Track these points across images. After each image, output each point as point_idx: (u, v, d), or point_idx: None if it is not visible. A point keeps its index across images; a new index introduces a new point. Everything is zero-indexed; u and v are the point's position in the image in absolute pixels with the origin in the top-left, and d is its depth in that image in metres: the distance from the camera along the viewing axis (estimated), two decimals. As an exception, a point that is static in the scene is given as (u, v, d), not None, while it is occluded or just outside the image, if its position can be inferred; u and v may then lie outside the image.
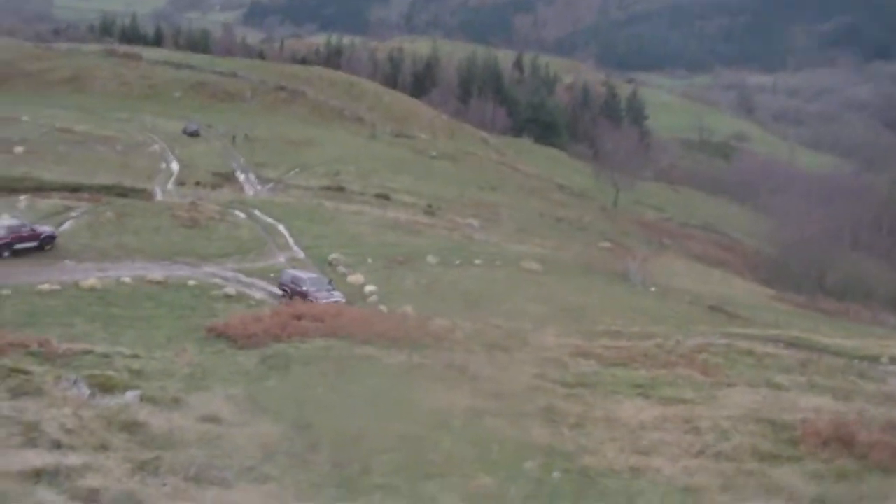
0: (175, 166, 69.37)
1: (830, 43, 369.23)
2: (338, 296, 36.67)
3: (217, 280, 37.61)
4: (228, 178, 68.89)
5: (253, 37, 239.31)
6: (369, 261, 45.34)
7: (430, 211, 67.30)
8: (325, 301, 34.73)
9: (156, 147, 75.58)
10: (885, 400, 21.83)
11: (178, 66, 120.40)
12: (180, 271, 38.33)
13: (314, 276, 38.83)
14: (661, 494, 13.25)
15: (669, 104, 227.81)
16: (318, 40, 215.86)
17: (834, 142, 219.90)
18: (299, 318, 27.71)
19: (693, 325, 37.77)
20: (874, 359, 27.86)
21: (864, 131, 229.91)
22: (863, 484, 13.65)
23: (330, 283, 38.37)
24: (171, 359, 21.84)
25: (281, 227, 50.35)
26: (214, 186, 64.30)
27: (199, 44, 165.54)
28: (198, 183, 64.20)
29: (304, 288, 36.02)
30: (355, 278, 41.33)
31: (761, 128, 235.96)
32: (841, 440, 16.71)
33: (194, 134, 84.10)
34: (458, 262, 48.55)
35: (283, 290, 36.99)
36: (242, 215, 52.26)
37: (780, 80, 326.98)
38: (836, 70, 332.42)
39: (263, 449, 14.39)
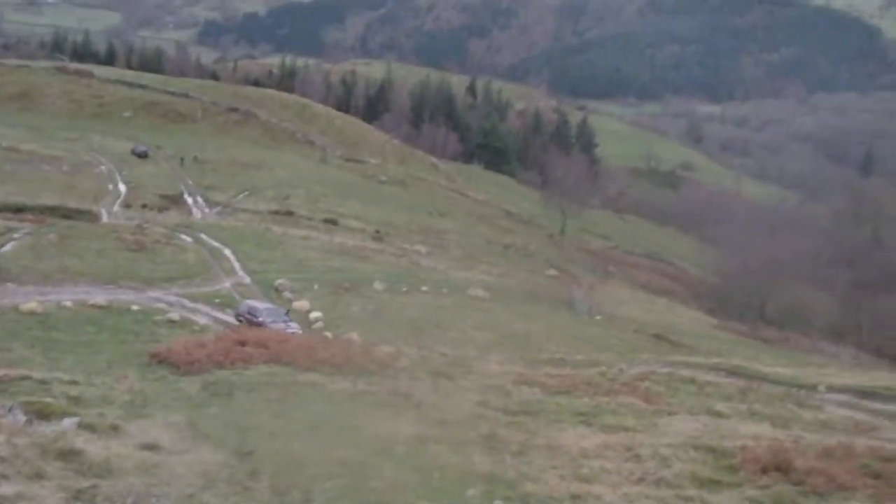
0: (122, 188, 68.87)
1: (777, 74, 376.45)
2: (294, 327, 36.23)
3: (161, 305, 37.34)
4: (176, 200, 68.47)
5: (206, 56, 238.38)
6: (316, 287, 45.32)
7: (378, 237, 67.46)
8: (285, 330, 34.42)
9: (103, 168, 74.97)
10: (822, 427, 22.32)
11: (130, 84, 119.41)
12: (124, 295, 38.00)
13: (271, 306, 38.28)
14: (601, 521, 13.50)
15: (619, 132, 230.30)
16: (273, 61, 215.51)
17: (779, 173, 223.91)
18: (243, 344, 27.64)
19: (637, 354, 38.21)
20: (812, 387, 28.45)
21: (808, 163, 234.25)
22: (799, 509, 14.03)
23: (287, 313, 37.79)
24: (111, 385, 21.69)
25: (227, 252, 50.09)
26: (161, 209, 63.91)
27: (152, 62, 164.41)
28: (145, 205, 63.80)
29: (261, 318, 35.51)
30: (301, 304, 41.28)
31: (708, 157, 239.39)
32: (778, 467, 17.05)
33: (143, 155, 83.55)
34: (404, 288, 48.72)
35: (239, 321, 36.27)
36: (189, 239, 51.98)
37: (729, 110, 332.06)
38: (782, 101, 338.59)
39: (203, 476, 14.37)
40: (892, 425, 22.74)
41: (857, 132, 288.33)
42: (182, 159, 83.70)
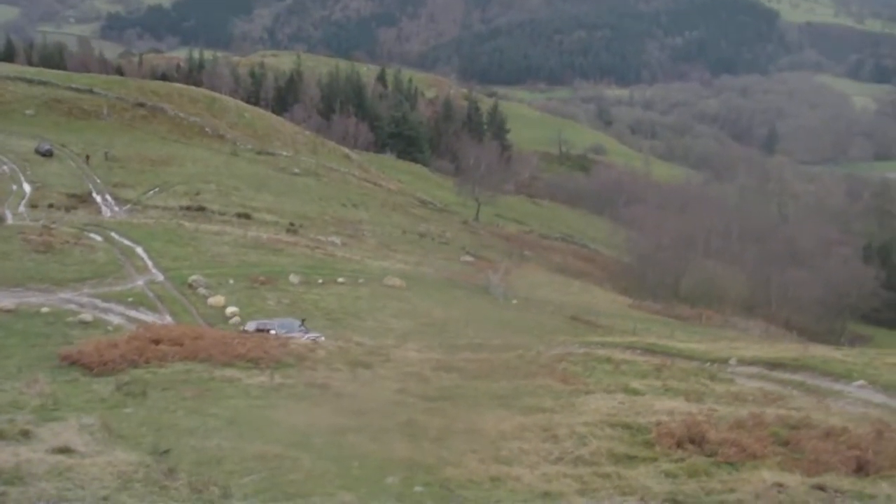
0: (27, 188, 67.00)
1: (682, 58, 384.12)
2: (314, 336, 34.31)
3: (72, 306, 36.46)
4: (84, 199, 66.86)
5: (111, 51, 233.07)
6: (231, 281, 44.82)
7: (292, 229, 66.98)
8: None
9: (5, 168, 72.87)
10: (734, 399, 22.79)
11: (31, 81, 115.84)
12: (33, 298, 37.01)
13: (282, 320, 36.73)
14: (520, 501, 13.62)
15: (530, 118, 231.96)
16: (179, 55, 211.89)
17: (685, 153, 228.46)
18: (157, 342, 27.19)
19: (553, 336, 38.62)
20: (724, 361, 29.03)
21: (714, 142, 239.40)
22: (713, 479, 14.32)
23: (302, 323, 36.21)
24: (20, 390, 21.17)
25: (139, 250, 49.16)
26: (69, 208, 62.40)
27: (54, 58, 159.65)
28: (51, 205, 62.20)
29: (273, 332, 33.84)
30: (216, 300, 40.76)
31: (618, 140, 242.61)
32: (693, 440, 17.33)
33: (47, 154, 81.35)
34: (320, 280, 48.49)
35: None
36: (99, 238, 50.84)
37: (636, 93, 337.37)
38: (687, 84, 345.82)
39: (119, 478, 14.10)
40: (800, 394, 23.42)
41: (760, 112, 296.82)
42: (88, 157, 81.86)
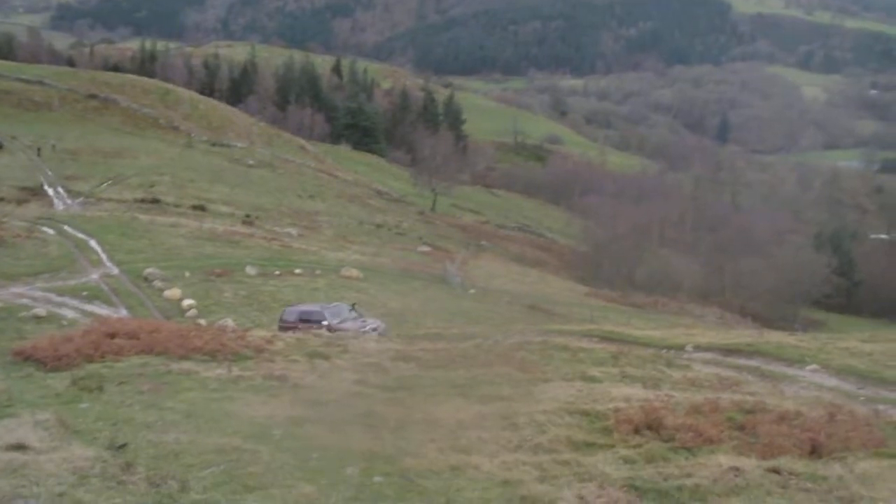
0: (-24, 181, 66.14)
1: (636, 48, 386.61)
2: (374, 323, 33.05)
3: (26, 301, 36.04)
4: (36, 192, 66.02)
5: (61, 42, 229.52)
6: (187, 274, 44.51)
7: (248, 221, 66.61)
8: (361, 332, 31.23)
9: (-46, 162, 71.85)
10: (690, 385, 23.01)
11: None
12: (-15, 293, 36.63)
13: (330, 305, 34.79)
14: (480, 490, 13.63)
15: (485, 108, 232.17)
16: (132, 46, 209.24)
17: (640, 143, 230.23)
18: (113, 336, 26.90)
19: (511, 325, 38.76)
20: (680, 347, 29.35)
21: (668, 133, 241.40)
22: (670, 465, 14.43)
23: (353, 307, 34.49)
24: (-27, 386, 20.89)
25: (93, 243, 48.69)
26: (21, 202, 61.59)
27: (2, 49, 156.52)
28: (2, 199, 61.39)
29: (326, 321, 32.17)
30: (172, 293, 40.48)
31: (573, 130, 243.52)
32: (650, 426, 17.45)
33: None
34: (277, 271, 48.33)
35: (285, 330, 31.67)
36: (52, 231, 50.30)
37: (591, 84, 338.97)
38: (641, 74, 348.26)
39: (75, 473, 13.92)
40: (755, 379, 23.73)
41: (713, 102, 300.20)
42: (39, 149, 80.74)
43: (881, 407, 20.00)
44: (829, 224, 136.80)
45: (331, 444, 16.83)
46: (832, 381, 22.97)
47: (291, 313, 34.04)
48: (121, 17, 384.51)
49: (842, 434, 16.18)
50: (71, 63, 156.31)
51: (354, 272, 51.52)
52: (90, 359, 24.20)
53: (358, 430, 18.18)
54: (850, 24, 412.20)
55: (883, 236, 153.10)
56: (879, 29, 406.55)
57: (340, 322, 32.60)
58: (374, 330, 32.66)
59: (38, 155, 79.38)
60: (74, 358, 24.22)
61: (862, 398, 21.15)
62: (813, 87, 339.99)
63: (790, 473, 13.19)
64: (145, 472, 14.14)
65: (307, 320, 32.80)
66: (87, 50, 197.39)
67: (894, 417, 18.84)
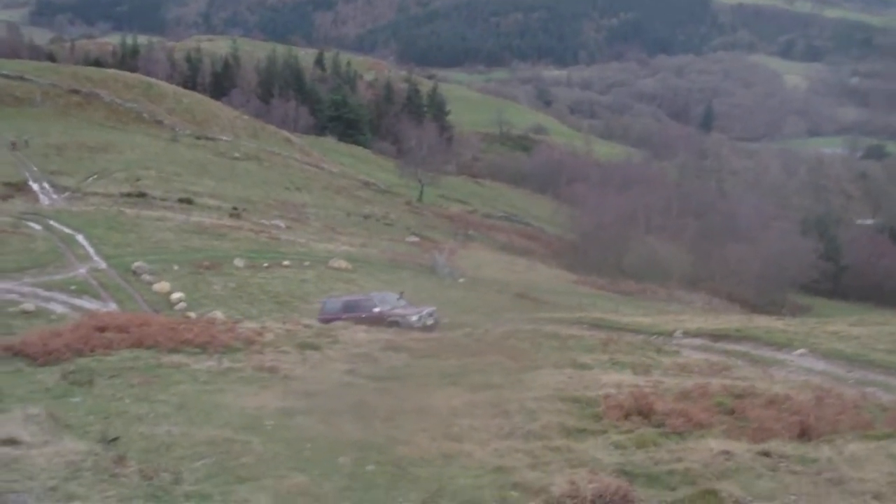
0: (-41, 177, 65.75)
1: (618, 38, 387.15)
2: (428, 311, 32.16)
3: (13, 296, 35.87)
4: (21, 187, 65.58)
5: (41, 37, 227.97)
6: (175, 267, 44.39)
7: (235, 213, 66.43)
8: (416, 319, 30.90)
9: (-63, 158, 71.40)
10: (680, 371, 23.11)
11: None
12: (-29, 289, 36.46)
13: (376, 293, 34.31)
14: (472, 477, 13.63)
15: (469, 99, 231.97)
16: (113, 40, 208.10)
17: (625, 132, 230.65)
18: (103, 330, 26.80)
19: (501, 313, 38.82)
20: (669, 333, 29.49)
21: (652, 121, 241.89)
22: (661, 449, 14.46)
23: (401, 295, 33.98)
24: (-37, 383, 20.79)
25: (80, 238, 48.48)
26: (5, 197, 61.18)
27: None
28: (-15, 194, 61.17)
29: (378, 309, 31.48)
30: (161, 286, 40.37)
31: (558, 120, 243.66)
32: (640, 411, 17.46)
33: (-20, 142, 79.83)
34: (266, 263, 48.25)
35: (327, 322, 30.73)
36: (38, 227, 50.02)
37: (574, 74, 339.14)
38: (624, 64, 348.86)
39: (67, 467, 13.85)
40: (744, 364, 23.87)
41: (696, 91, 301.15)
42: (13, 143, 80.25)
43: (869, 389, 20.15)
44: (815, 210, 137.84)
45: (322, 434, 16.82)
46: (820, 365, 23.13)
47: (334, 304, 33.39)
48: (101, 11, 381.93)
49: (830, 417, 16.30)
50: (52, 58, 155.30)
51: (343, 263, 51.50)
52: (80, 353, 24.10)
53: (349, 420, 18.17)
54: (830, 13, 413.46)
55: (868, 221, 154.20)
56: (859, 18, 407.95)
57: (392, 308, 32.04)
58: (431, 315, 32.11)
59: (14, 149, 78.75)
60: (64, 352, 24.12)
61: (850, 381, 21.32)
62: (794, 76, 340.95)
63: (780, 456, 13.28)
64: (137, 464, 14.10)
65: (354, 309, 32.21)
66: (67, 45, 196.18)
67: (882, 400, 19.00)
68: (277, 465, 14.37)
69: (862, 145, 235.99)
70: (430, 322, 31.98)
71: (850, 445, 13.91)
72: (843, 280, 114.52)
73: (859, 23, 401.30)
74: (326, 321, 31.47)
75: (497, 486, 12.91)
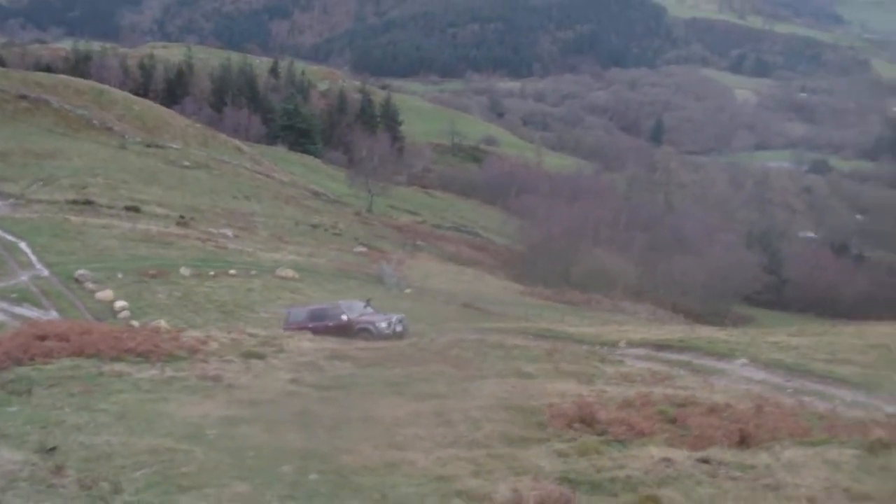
0: None
1: (573, 51, 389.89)
2: (398, 315, 32.59)
3: (-48, 304, 35.40)
4: (-40, 195, 64.71)
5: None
6: (119, 275, 43.96)
7: (182, 222, 65.87)
8: (385, 326, 31.18)
9: None
10: (623, 380, 23.32)
11: None
12: None
13: (343, 302, 34.14)
14: (415, 486, 13.66)
15: (422, 110, 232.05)
16: (65, 46, 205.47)
17: (576, 144, 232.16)
18: (43, 338, 26.45)
19: (447, 323, 38.89)
20: (613, 344, 29.70)
21: (603, 134, 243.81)
22: (603, 457, 14.59)
23: (367, 303, 33.92)
24: None
25: (23, 245, 47.84)
26: (-55, 205, 60.37)
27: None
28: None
29: (346, 318, 31.64)
30: (105, 294, 39.98)
31: (510, 132, 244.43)
32: (583, 420, 17.62)
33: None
34: (212, 272, 47.95)
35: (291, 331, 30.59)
36: (-21, 234, 49.40)
37: (528, 86, 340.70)
38: (578, 76, 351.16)
39: (3, 477, 13.68)
40: (686, 373, 24.16)
41: (648, 104, 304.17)
42: None
43: (807, 398, 20.52)
44: (760, 223, 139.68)
45: (266, 443, 16.77)
46: (761, 375, 23.47)
47: (299, 313, 33.24)
48: (53, 16, 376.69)
49: (769, 425, 16.60)
50: (1, 63, 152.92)
51: (290, 272, 51.37)
52: (19, 362, 23.74)
53: (293, 428, 18.12)
54: (781, 28, 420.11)
55: (811, 235, 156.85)
56: (808, 34, 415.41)
57: (360, 316, 32.07)
58: (400, 322, 32.26)
59: None
60: (3, 361, 23.74)
61: (789, 390, 21.67)
62: (745, 90, 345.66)
63: (719, 463, 13.49)
64: (76, 474, 13.95)
65: (321, 318, 32.16)
66: (18, 50, 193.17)
67: (819, 408, 19.36)
68: (219, 474, 14.27)
69: (807, 160, 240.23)
70: (399, 329, 32.14)
71: (788, 452, 14.18)
72: (785, 292, 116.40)
73: (809, 38, 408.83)
74: (292, 331, 31.20)
75: (440, 494, 12.95)
